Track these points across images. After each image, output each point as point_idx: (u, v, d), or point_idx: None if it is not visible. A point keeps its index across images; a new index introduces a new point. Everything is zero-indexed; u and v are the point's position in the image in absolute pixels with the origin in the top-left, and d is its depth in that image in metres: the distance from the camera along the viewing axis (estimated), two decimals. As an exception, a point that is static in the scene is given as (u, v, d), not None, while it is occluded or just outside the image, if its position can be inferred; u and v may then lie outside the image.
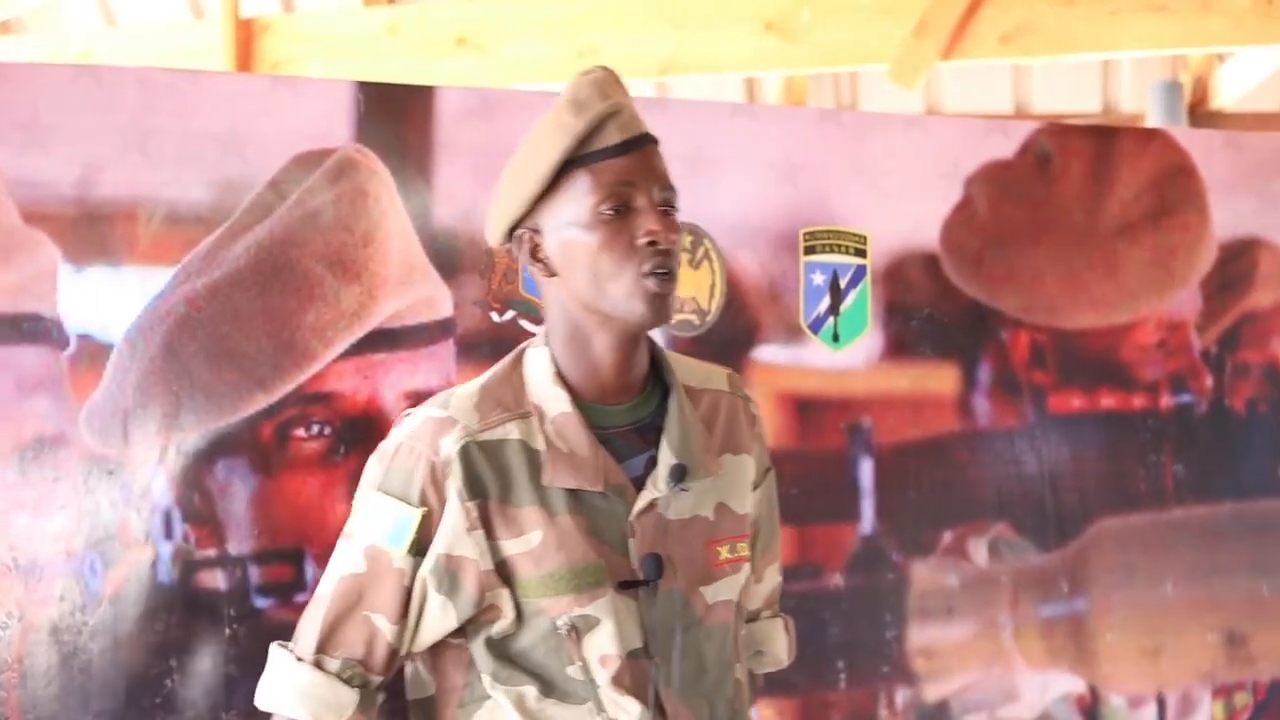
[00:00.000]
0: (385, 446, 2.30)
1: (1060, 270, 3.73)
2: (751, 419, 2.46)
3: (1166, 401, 3.80)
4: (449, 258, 3.27)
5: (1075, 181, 3.76)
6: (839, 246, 3.57)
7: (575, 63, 6.63)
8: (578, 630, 2.20)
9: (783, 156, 3.55)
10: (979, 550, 3.66)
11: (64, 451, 3.04)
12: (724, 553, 2.32)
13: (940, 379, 3.66)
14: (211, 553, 3.10)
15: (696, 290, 3.46)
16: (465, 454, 2.20)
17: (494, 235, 2.31)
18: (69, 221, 3.07)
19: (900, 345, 3.63)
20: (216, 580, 3.10)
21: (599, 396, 2.28)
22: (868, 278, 3.60)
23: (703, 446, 2.32)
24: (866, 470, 3.58)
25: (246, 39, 6.62)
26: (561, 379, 2.27)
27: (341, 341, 3.18)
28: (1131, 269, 3.78)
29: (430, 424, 2.25)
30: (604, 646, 2.21)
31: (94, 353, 3.06)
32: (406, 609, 2.24)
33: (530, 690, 2.22)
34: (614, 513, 2.24)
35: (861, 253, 3.59)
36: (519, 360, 2.34)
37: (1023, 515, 3.70)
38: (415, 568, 2.22)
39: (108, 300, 3.08)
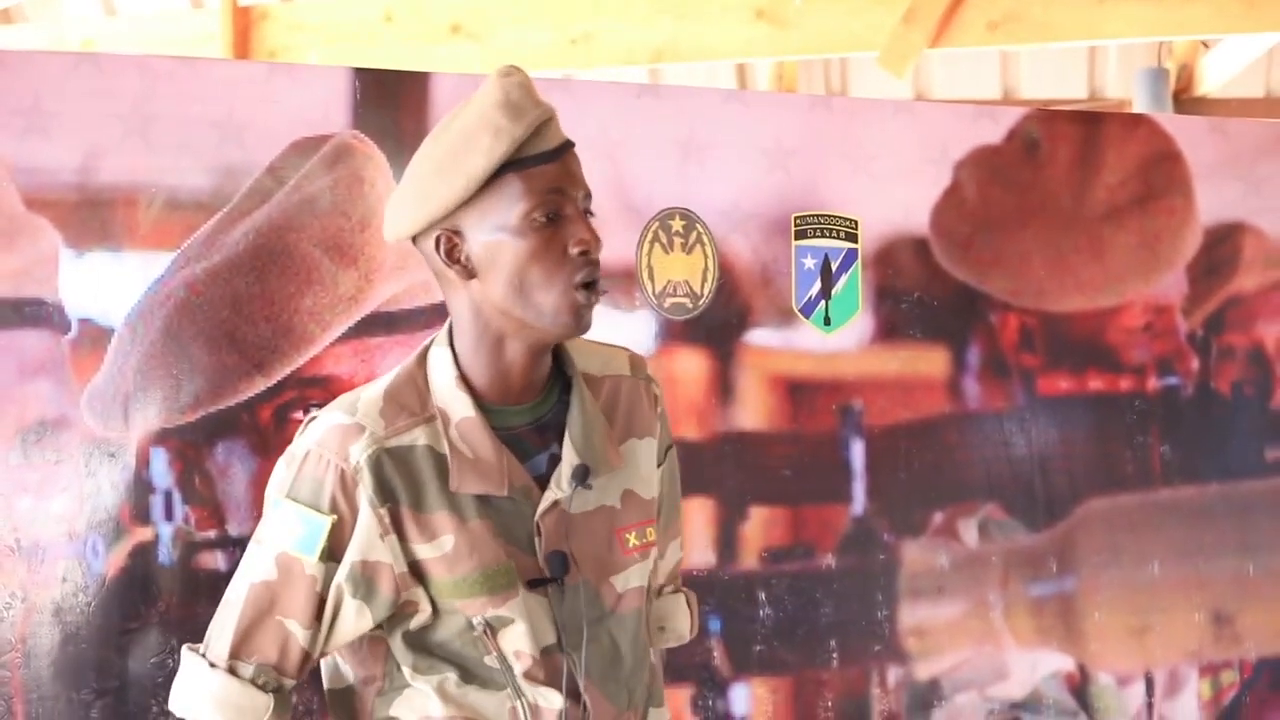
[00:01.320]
0: (293, 451, 2.22)
1: (1048, 254, 3.76)
2: (654, 399, 2.42)
3: (1153, 384, 3.83)
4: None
5: (1062, 166, 3.78)
6: (830, 231, 3.59)
7: (569, 50, 6.67)
8: (492, 628, 2.20)
9: (774, 142, 3.57)
10: (969, 530, 3.68)
11: (66, 434, 3.06)
12: (632, 539, 2.31)
13: (930, 362, 3.68)
14: (211, 534, 3.13)
15: (689, 274, 3.48)
16: (375, 461, 2.15)
17: (401, 230, 2.20)
18: (70, 207, 3.09)
19: (891, 328, 3.66)
20: (216, 561, 3.13)
21: (502, 398, 2.24)
22: (858, 262, 3.62)
23: (604, 440, 2.29)
24: (857, 452, 3.60)
25: (245, 27, 6.63)
26: (464, 382, 2.22)
27: (339, 325, 3.20)
28: (1118, 253, 3.81)
29: (337, 431, 2.18)
30: (517, 643, 2.21)
31: (95, 337, 3.08)
32: (320, 613, 2.19)
33: (451, 676, 2.22)
34: (519, 514, 2.21)
35: (852, 237, 3.61)
36: (422, 360, 2.28)
37: (1012, 496, 3.73)
38: (328, 573, 2.17)
39: (108, 285, 3.10)
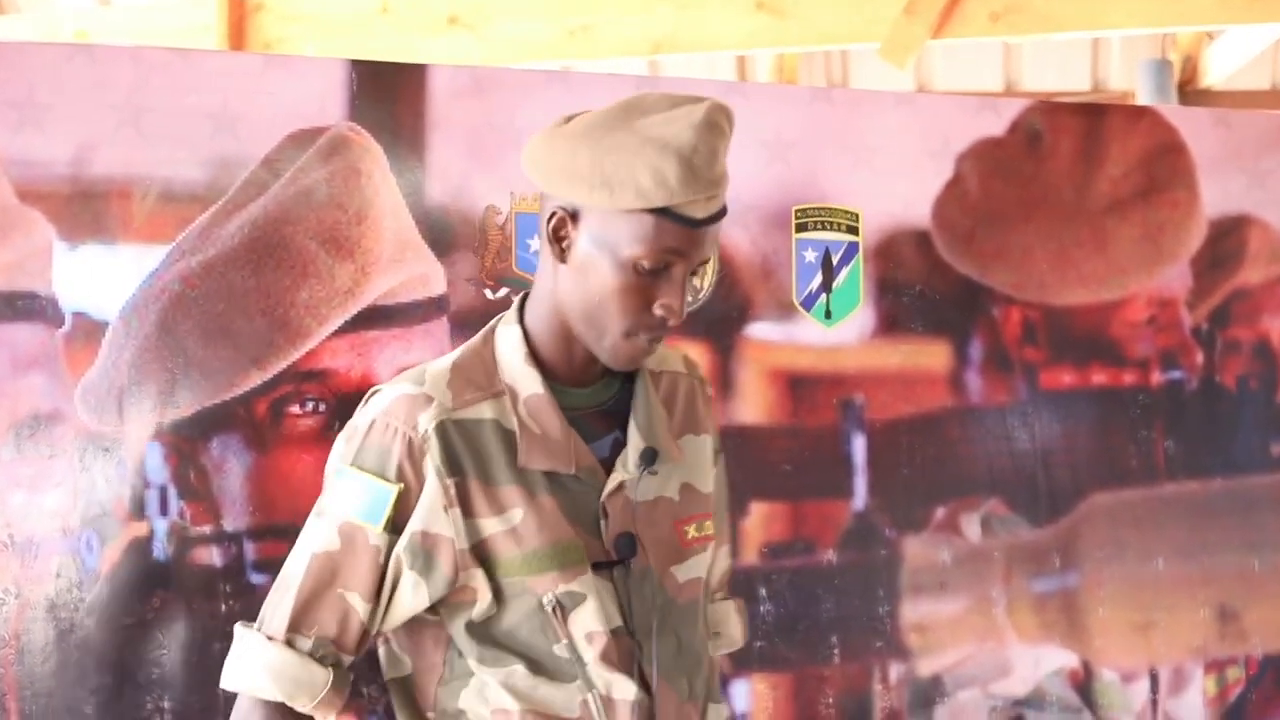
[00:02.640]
0: (357, 423, 2.24)
1: (1051, 247, 3.74)
2: (707, 400, 2.45)
3: (1157, 378, 3.81)
4: (442, 235, 3.28)
5: (1065, 159, 3.76)
6: (831, 224, 3.58)
7: (567, 41, 6.64)
8: (563, 607, 2.19)
9: (774, 134, 3.55)
10: (971, 526, 3.67)
11: (60, 429, 3.05)
12: (691, 531, 2.32)
13: (932, 355, 3.67)
14: (207, 529, 3.12)
15: (689, 267, 3.46)
16: (442, 431, 2.17)
17: (535, 175, 2.21)
18: (64, 200, 3.08)
19: (892, 322, 3.64)
20: (212, 556, 3.11)
21: (569, 379, 2.26)
22: (859, 255, 3.60)
23: (665, 430, 2.31)
24: (859, 446, 3.59)
25: (240, 18, 6.61)
26: (534, 359, 2.25)
27: (335, 319, 3.19)
28: (1121, 246, 3.79)
29: (405, 400, 2.20)
30: (589, 623, 2.20)
31: (89, 330, 3.07)
32: (380, 587, 2.20)
33: (519, 669, 2.21)
34: (585, 494, 2.22)
35: (853, 230, 3.60)
36: (490, 337, 2.30)
37: (1015, 491, 3.71)
38: (390, 545, 2.18)
39: (102, 278, 3.09)
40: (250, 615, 2.24)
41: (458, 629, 2.24)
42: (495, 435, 2.20)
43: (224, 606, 3.07)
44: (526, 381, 2.23)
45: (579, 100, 3.33)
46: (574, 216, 2.17)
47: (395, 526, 2.18)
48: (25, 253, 3.06)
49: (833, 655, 3.58)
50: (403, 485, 2.17)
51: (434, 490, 2.17)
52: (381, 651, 2.34)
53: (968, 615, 3.67)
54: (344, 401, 3.17)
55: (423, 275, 3.25)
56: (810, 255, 3.57)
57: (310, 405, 3.17)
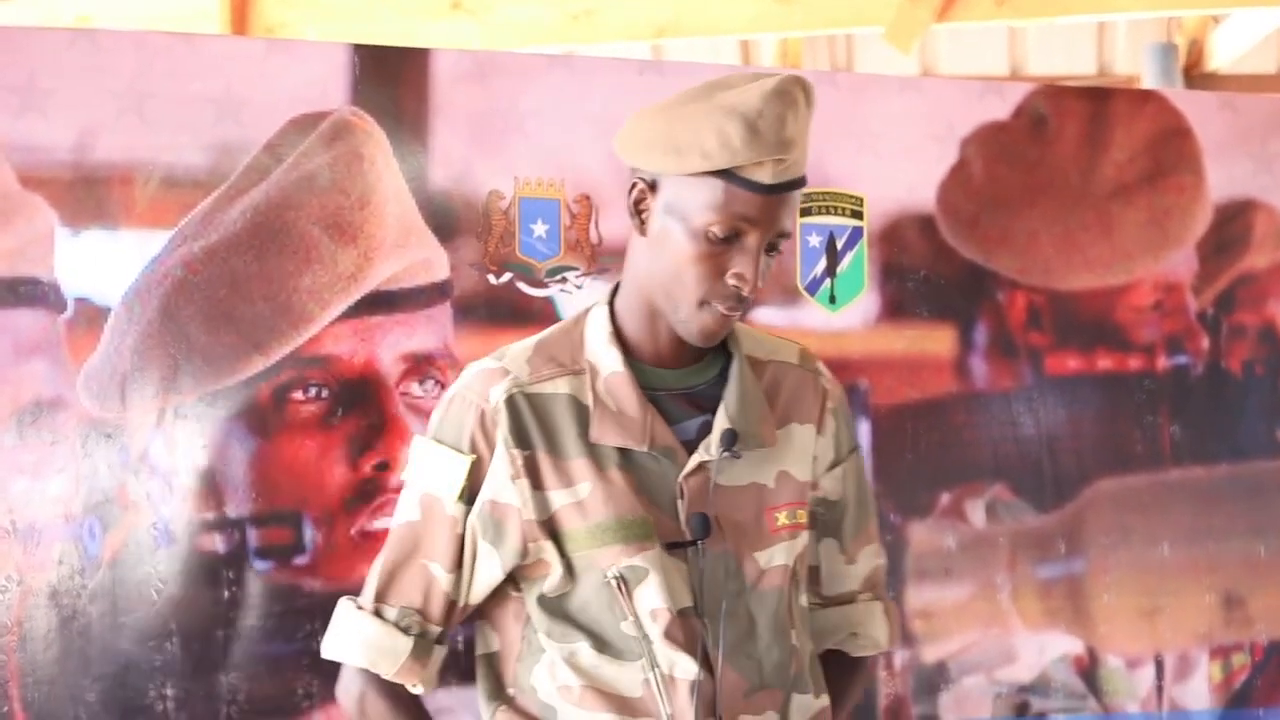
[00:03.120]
0: (445, 396, 2.32)
1: (1056, 232, 3.73)
2: (822, 393, 2.43)
3: (1163, 363, 3.80)
4: (445, 220, 3.27)
5: (1070, 143, 3.75)
6: (835, 208, 3.57)
7: (570, 26, 6.63)
8: (626, 582, 2.21)
9: (779, 119, 3.54)
10: (976, 511, 3.66)
11: (62, 415, 3.05)
12: (782, 518, 2.31)
13: (937, 340, 3.66)
14: (209, 516, 3.11)
15: (693, 253, 3.45)
16: (511, 403, 2.22)
17: (621, 149, 2.26)
18: (66, 185, 3.07)
19: (897, 307, 3.63)
20: (215, 543, 3.11)
21: (654, 359, 2.28)
22: (864, 239, 3.60)
23: (760, 416, 2.31)
24: (863, 432, 3.58)
25: (242, 2, 6.59)
26: (618, 338, 2.28)
27: (338, 304, 3.19)
28: (1127, 230, 3.78)
29: (483, 374, 2.27)
30: (654, 600, 2.21)
31: (91, 316, 3.07)
32: (461, 557, 2.26)
33: (584, 646, 2.23)
34: (663, 474, 2.24)
35: (858, 214, 3.59)
36: (582, 318, 2.34)
37: (1020, 476, 3.70)
38: (466, 515, 2.24)
39: (105, 264, 3.08)
40: (253, 602, 2.26)
41: (532, 602, 2.27)
42: (569, 410, 2.24)
43: (227, 593, 3.07)
44: (607, 359, 2.27)
45: (582, 85, 3.34)
46: (652, 187, 2.21)
47: (470, 497, 2.24)
48: (27, 238, 3.05)
49: (837, 641, 3.57)
50: (475, 456, 2.23)
51: (502, 460, 2.22)
52: (477, 628, 2.38)
53: (972, 601, 3.66)
54: (347, 387, 3.17)
55: (426, 260, 3.25)
56: (814, 240, 3.56)
57: (313, 391, 3.16)
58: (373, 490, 3.16)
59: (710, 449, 2.25)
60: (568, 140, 3.35)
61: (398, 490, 2.40)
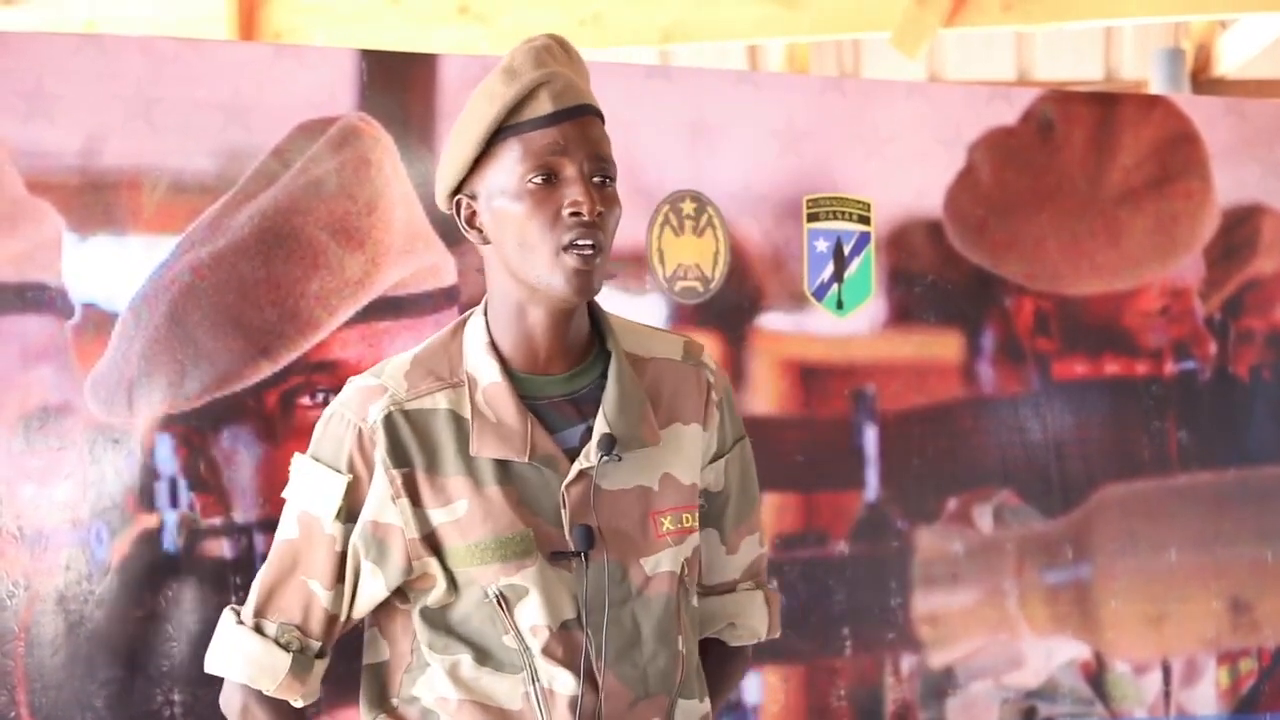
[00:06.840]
0: (325, 413, 2.28)
1: (1063, 237, 3.73)
2: (706, 387, 2.39)
3: (1170, 368, 3.81)
4: (452, 225, 3.25)
5: (1078, 149, 3.76)
6: (842, 213, 3.57)
7: (577, 31, 6.63)
8: (506, 600, 2.19)
9: (786, 124, 3.55)
10: (984, 517, 3.66)
11: (69, 420, 3.04)
12: (666, 523, 2.28)
13: (944, 346, 3.66)
14: (217, 521, 3.11)
15: (700, 258, 3.46)
16: (389, 422, 2.19)
17: (439, 199, 2.29)
18: (73, 191, 3.07)
19: (904, 312, 3.63)
20: (222, 548, 3.11)
21: (533, 366, 2.25)
22: (871, 245, 3.60)
23: (641, 416, 2.27)
24: (871, 437, 3.58)
25: (250, 8, 6.61)
26: (494, 348, 2.25)
27: (346, 309, 3.19)
28: (1134, 236, 3.78)
29: (361, 391, 2.24)
30: (533, 617, 2.20)
31: (99, 322, 3.06)
32: (341, 573, 2.23)
33: (465, 659, 2.22)
34: (545, 484, 2.21)
35: (865, 220, 3.59)
36: (459, 329, 2.31)
37: (1027, 482, 3.70)
38: (346, 534, 2.22)
39: (112, 269, 3.08)
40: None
41: (416, 614, 2.25)
42: (448, 425, 2.22)
43: (234, 598, 3.07)
44: (485, 370, 2.24)
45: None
46: (472, 198, 2.23)
47: (349, 516, 2.22)
48: (35, 244, 3.05)
49: (845, 647, 3.58)
50: (352, 476, 2.21)
51: (382, 481, 2.20)
52: (366, 636, 2.35)
53: (980, 607, 3.66)
54: (354, 393, 3.17)
55: (433, 266, 3.25)
56: (822, 245, 3.56)
57: (321, 396, 3.16)
58: (380, 496, 3.16)
59: (590, 455, 2.22)
60: (575, 145, 3.35)
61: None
